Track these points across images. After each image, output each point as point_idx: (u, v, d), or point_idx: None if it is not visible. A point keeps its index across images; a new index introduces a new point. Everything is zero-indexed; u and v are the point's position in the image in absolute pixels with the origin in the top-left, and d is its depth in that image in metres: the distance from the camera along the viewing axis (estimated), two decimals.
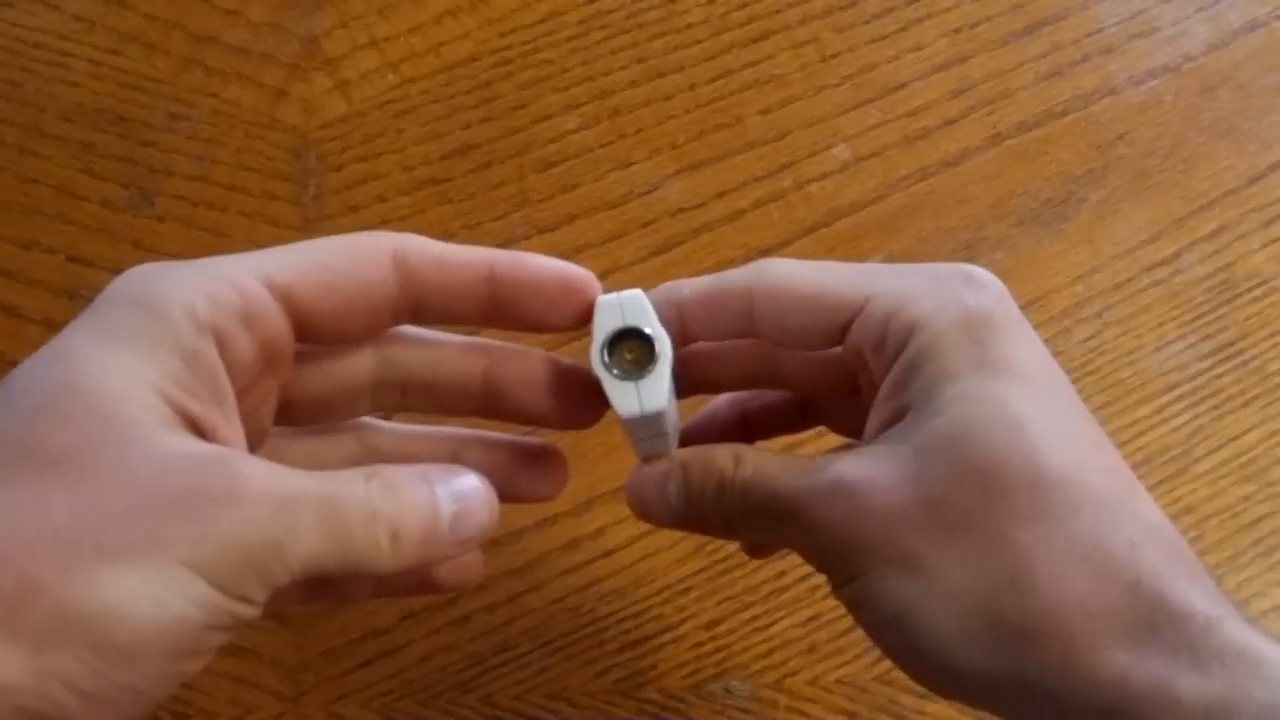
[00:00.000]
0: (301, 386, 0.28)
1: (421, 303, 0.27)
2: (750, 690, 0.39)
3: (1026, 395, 0.25)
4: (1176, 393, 0.42)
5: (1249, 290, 0.44)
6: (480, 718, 0.38)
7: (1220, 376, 0.43)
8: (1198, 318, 0.43)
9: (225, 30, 0.47)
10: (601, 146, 0.46)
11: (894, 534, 0.25)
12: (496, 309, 0.27)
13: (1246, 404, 0.42)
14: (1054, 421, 0.25)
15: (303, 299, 0.25)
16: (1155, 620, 0.23)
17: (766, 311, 0.28)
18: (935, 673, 0.25)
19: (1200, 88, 0.47)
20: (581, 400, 0.30)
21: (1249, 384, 0.43)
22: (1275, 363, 0.43)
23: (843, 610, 0.40)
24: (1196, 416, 0.42)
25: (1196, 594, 0.24)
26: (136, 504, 0.21)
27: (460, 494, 0.25)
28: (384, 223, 0.44)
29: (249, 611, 0.22)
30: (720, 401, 0.34)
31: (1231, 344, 0.43)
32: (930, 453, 0.25)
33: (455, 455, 0.31)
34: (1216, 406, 0.42)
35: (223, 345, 0.24)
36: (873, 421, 0.27)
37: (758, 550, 0.36)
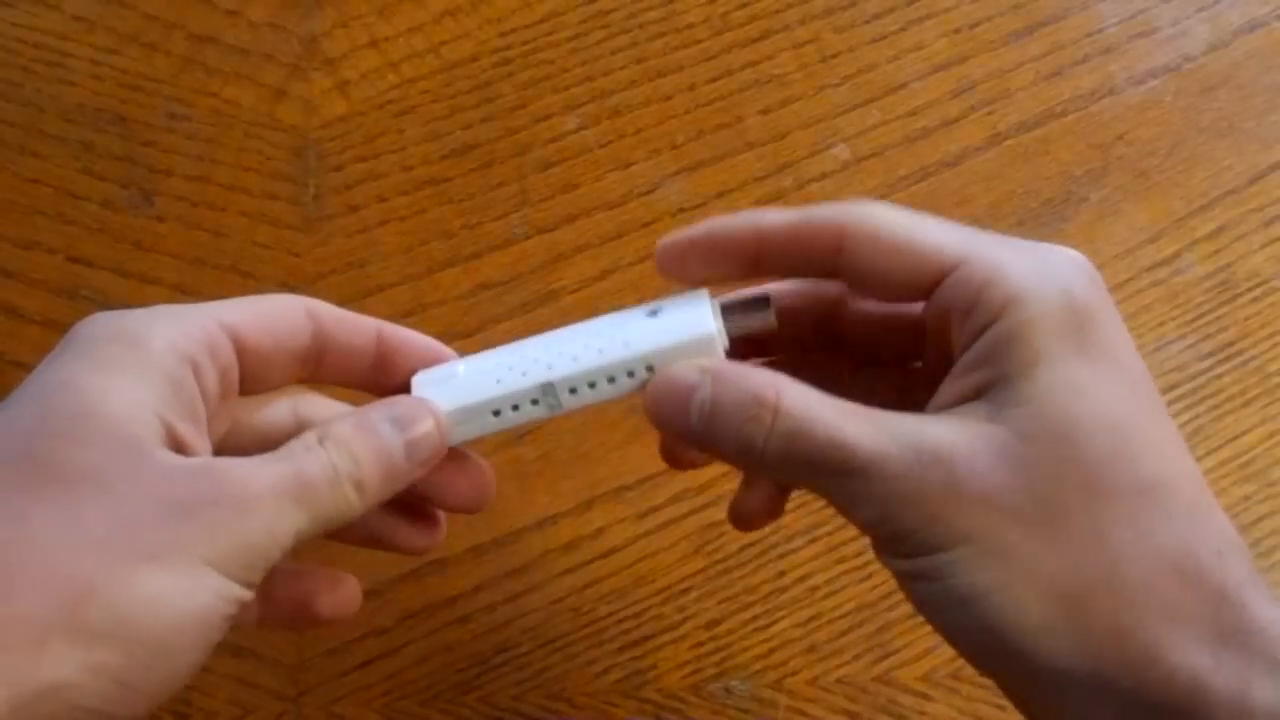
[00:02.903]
0: (233, 435, 0.30)
1: (324, 356, 0.30)
2: (750, 690, 0.39)
3: (1126, 393, 0.25)
4: (1176, 393, 0.42)
5: (1249, 290, 0.44)
6: (480, 718, 0.38)
7: (1220, 376, 0.43)
8: (1198, 318, 0.43)
9: (225, 30, 0.47)
10: (601, 146, 0.46)
11: (991, 517, 0.24)
12: (381, 369, 0.31)
13: (1246, 404, 0.42)
14: (1149, 424, 0.25)
15: (247, 338, 0.28)
16: (1238, 628, 0.24)
17: (858, 251, 0.27)
18: (1007, 659, 0.25)
19: (1200, 88, 0.47)
20: (472, 481, 0.31)
21: (1249, 384, 0.43)
22: (1275, 363, 0.43)
23: (842, 610, 0.40)
24: (1196, 416, 0.42)
25: (1269, 605, 0.24)
26: (155, 512, 0.24)
27: (405, 421, 0.28)
28: (384, 223, 0.44)
29: (249, 595, 0.25)
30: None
31: (1231, 344, 0.43)
32: (1034, 440, 0.25)
33: None
34: (1216, 406, 0.42)
35: (196, 374, 0.27)
36: (950, 389, 0.26)
37: (678, 460, 0.33)
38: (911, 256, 0.27)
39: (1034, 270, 0.26)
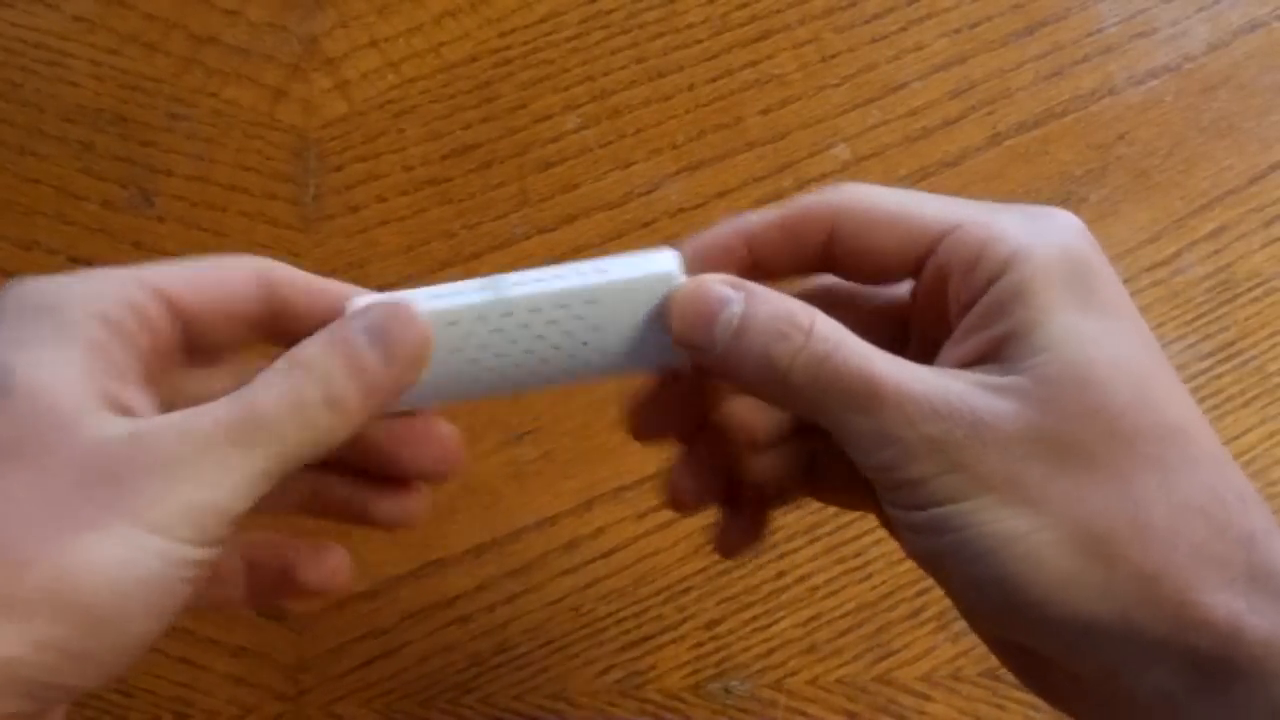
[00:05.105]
0: (182, 401, 0.29)
1: (282, 322, 0.29)
2: (750, 690, 0.39)
3: (1139, 343, 0.25)
4: None
5: (1249, 290, 0.44)
6: (480, 718, 0.38)
7: (1220, 376, 0.43)
8: (1198, 318, 0.43)
9: (225, 30, 0.47)
10: (601, 146, 0.46)
11: (1013, 465, 0.24)
12: None
13: (1246, 404, 0.42)
14: (1164, 374, 0.25)
15: (183, 300, 0.27)
16: (1270, 571, 0.23)
17: (849, 232, 0.27)
18: (1029, 613, 0.24)
19: (1200, 88, 0.47)
20: (435, 441, 0.30)
21: (1249, 384, 0.43)
22: (1275, 363, 0.43)
23: (843, 610, 0.40)
24: None
25: None
26: (87, 481, 0.23)
27: (374, 324, 0.26)
28: (384, 223, 0.44)
29: (211, 554, 0.24)
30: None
31: (1231, 344, 0.43)
32: (1056, 386, 0.24)
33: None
34: (1216, 406, 0.42)
35: (125, 336, 0.26)
36: (956, 350, 0.26)
37: (681, 500, 0.31)
38: (904, 226, 0.27)
39: (1031, 228, 0.26)
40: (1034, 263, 0.25)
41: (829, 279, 0.30)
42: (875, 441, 0.25)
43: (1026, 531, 0.23)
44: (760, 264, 0.28)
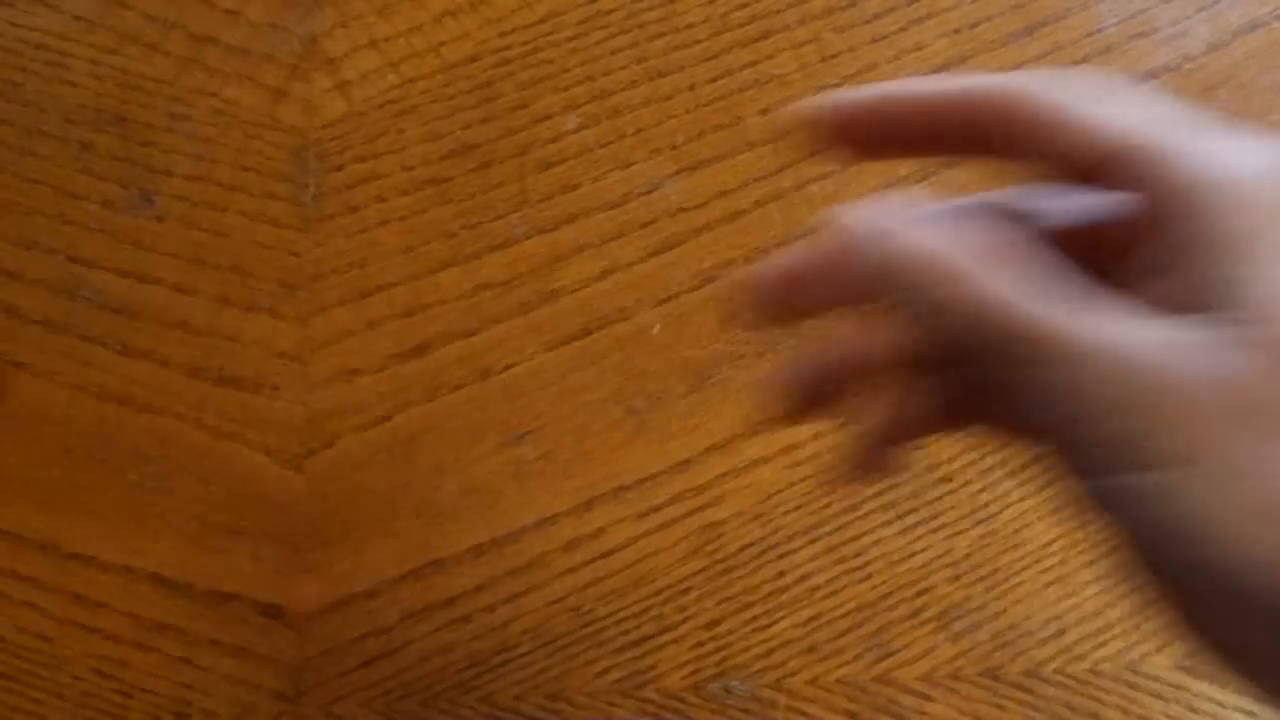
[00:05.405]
0: None
1: None
2: (750, 690, 0.39)
3: None
4: None
5: None
6: (480, 718, 0.38)
7: None
8: None
9: (225, 30, 0.47)
10: (601, 146, 0.46)
11: (1212, 429, 0.21)
12: None
13: None
14: None
15: None
16: None
17: (1043, 120, 0.25)
18: (1232, 601, 0.21)
19: (1200, 88, 0.47)
20: None
21: None
22: None
23: (843, 610, 0.40)
24: None
25: None
26: None
27: None
28: (384, 223, 0.44)
29: None
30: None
31: None
32: (1258, 344, 0.21)
33: None
34: None
35: None
36: (1141, 294, 0.23)
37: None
38: (1077, 132, 0.24)
39: (1233, 155, 0.23)
40: (1237, 200, 0.22)
41: (990, 195, 0.28)
42: (1052, 395, 0.22)
43: (1228, 508, 0.21)
44: (916, 141, 0.27)
